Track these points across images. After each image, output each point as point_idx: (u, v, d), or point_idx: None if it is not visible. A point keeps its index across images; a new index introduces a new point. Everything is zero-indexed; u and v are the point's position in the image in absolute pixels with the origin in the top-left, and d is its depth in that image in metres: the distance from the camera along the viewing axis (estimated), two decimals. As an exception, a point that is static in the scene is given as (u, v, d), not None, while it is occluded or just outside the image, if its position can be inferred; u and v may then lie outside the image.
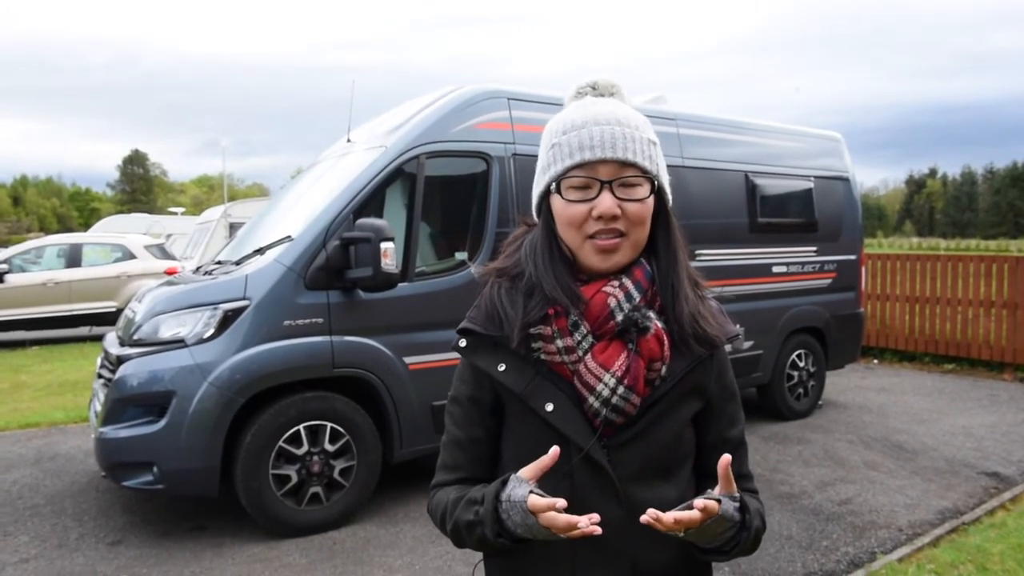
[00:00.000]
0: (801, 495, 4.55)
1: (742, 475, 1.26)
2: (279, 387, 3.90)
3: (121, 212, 48.27)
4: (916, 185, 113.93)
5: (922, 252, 12.96)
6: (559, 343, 1.14)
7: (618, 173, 1.12)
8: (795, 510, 4.31)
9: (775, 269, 6.19)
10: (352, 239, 3.94)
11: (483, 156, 4.58)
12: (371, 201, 4.25)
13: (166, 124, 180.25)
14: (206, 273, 4.55)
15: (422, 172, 4.38)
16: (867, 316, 8.37)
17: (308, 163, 5.80)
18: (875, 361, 9.41)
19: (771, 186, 6.20)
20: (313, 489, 3.96)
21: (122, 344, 4.10)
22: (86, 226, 41.99)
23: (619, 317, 1.13)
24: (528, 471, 1.06)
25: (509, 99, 4.76)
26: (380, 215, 4.35)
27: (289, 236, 4.12)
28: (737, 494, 1.10)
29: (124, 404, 3.79)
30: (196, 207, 54.13)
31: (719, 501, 1.05)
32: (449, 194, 4.80)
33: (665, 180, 1.19)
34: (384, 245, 3.85)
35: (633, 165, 1.12)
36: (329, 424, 3.99)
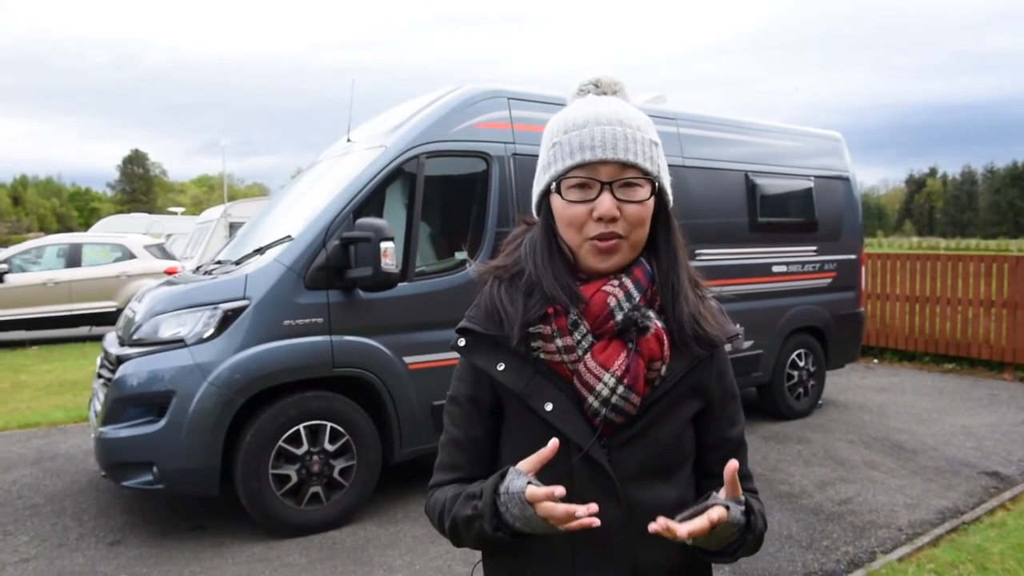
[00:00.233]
0: (801, 495, 4.55)
1: (743, 475, 1.25)
2: (279, 387, 3.90)
3: (121, 212, 48.29)
4: (916, 185, 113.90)
5: (922, 252, 12.95)
6: (559, 342, 1.14)
7: (619, 174, 1.11)
8: (795, 510, 4.31)
9: (775, 269, 6.19)
10: (352, 239, 3.95)
11: (483, 156, 4.57)
12: (371, 201, 4.25)
13: (166, 124, 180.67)
14: (206, 273, 4.55)
15: (422, 172, 4.38)
16: (867, 316, 8.35)
17: (308, 163, 5.80)
18: (875, 361, 9.41)
19: (771, 186, 6.20)
20: (313, 489, 3.96)
21: (122, 344, 4.10)
22: (86, 226, 42.01)
23: (619, 316, 1.13)
24: (527, 464, 1.06)
25: (509, 99, 4.76)
26: (380, 215, 4.35)
27: (289, 236, 4.12)
28: (743, 497, 1.09)
29: (124, 404, 3.79)
30: (196, 207, 54.14)
31: (727, 507, 1.04)
32: (449, 194, 4.80)
33: (666, 181, 1.18)
34: (384, 245, 3.85)
35: (634, 166, 1.11)
36: (329, 424, 3.99)
